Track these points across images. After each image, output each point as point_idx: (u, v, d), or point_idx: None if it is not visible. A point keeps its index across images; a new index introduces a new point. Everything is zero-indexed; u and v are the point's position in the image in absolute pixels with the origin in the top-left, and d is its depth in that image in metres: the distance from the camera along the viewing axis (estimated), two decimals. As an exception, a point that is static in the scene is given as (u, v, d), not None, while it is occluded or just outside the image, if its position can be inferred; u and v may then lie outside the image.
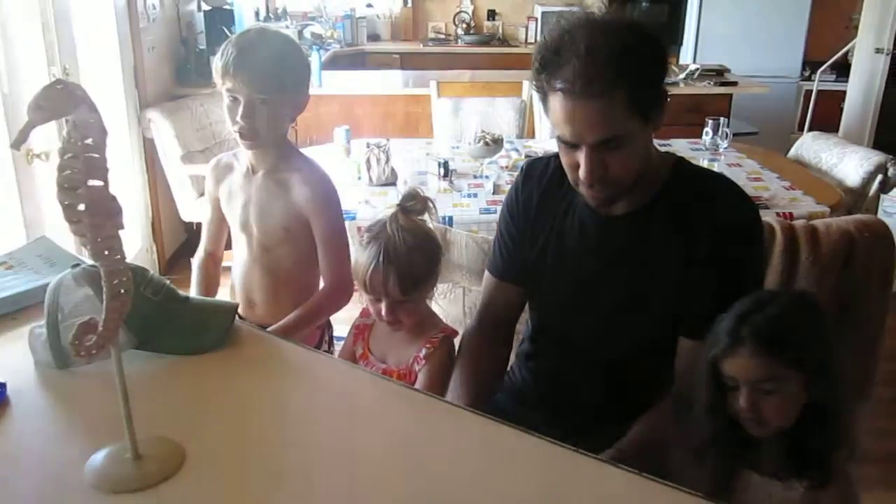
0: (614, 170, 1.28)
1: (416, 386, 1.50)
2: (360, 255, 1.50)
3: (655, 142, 1.41)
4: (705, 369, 1.17)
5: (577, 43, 1.21)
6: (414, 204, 1.51)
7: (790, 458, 1.17)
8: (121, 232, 0.88)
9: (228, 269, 1.92)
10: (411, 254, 1.46)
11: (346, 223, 2.46)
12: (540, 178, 1.50)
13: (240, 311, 1.77)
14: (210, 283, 1.91)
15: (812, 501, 1.15)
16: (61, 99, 0.76)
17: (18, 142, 0.76)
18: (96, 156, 0.81)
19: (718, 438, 1.18)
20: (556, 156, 1.46)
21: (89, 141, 0.81)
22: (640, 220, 1.38)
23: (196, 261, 1.93)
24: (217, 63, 1.60)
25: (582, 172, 1.28)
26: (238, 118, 1.60)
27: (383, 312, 1.50)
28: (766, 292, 1.21)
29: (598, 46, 1.20)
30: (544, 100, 1.29)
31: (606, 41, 1.20)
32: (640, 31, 1.25)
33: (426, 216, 1.54)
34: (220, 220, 1.87)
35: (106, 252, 0.86)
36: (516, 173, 2.96)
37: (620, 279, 1.40)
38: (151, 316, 1.20)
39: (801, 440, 1.15)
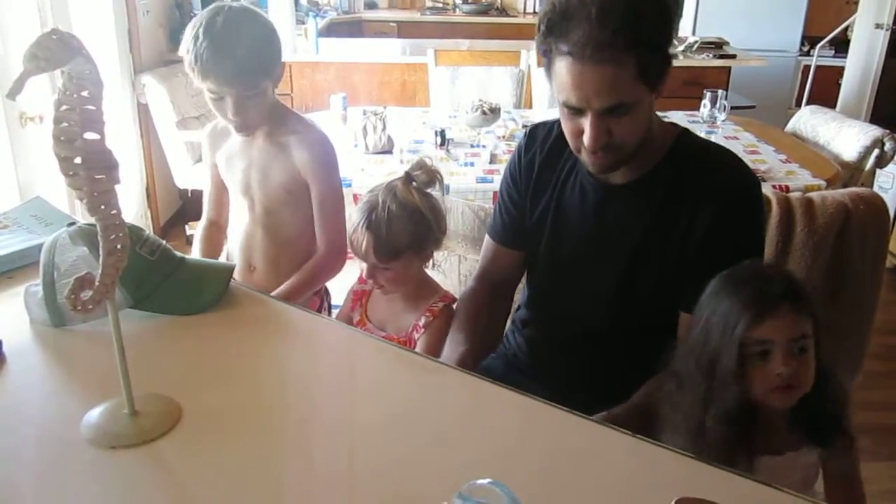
0: (618, 136, 1.27)
1: None
2: (353, 214, 1.51)
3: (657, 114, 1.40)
4: (733, 340, 1.14)
5: (587, 5, 1.17)
6: (419, 174, 1.50)
7: (802, 425, 1.18)
8: (117, 189, 0.87)
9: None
10: (392, 224, 1.45)
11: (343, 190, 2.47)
12: (543, 141, 1.49)
13: (238, 276, 1.77)
14: (214, 250, 1.90)
15: (827, 460, 1.20)
16: (57, 49, 0.75)
17: (14, 91, 0.75)
18: (93, 108, 0.81)
19: (734, 414, 1.16)
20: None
21: (85, 93, 0.80)
22: (642, 189, 1.37)
23: (199, 230, 1.92)
24: (189, 60, 1.52)
25: (586, 138, 1.27)
26: (229, 116, 1.58)
27: (364, 275, 1.52)
28: (748, 265, 1.21)
29: (610, 10, 1.16)
30: (549, 64, 1.26)
31: (618, 4, 1.17)
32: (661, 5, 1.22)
33: (436, 189, 1.52)
34: (220, 187, 1.86)
35: (102, 206, 0.85)
36: (513, 143, 2.98)
37: (619, 248, 1.39)
38: (147, 275, 1.20)
39: (815, 404, 1.17)
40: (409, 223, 1.47)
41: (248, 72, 1.54)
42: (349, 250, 1.59)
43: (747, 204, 1.35)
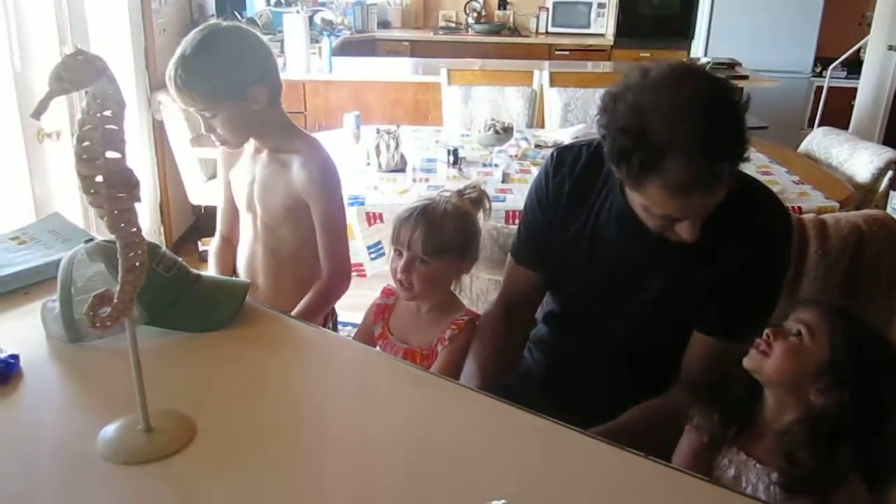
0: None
1: (435, 365, 1.51)
2: (401, 212, 1.56)
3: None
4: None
5: (682, 136, 1.14)
6: (471, 191, 1.59)
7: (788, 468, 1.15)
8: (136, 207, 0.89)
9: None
10: (445, 218, 1.51)
11: (355, 209, 2.48)
12: (572, 166, 1.48)
13: (245, 292, 1.77)
14: (226, 268, 1.90)
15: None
16: (82, 70, 0.77)
17: (39, 111, 0.76)
18: (115, 128, 0.82)
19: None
20: (588, 144, 1.46)
21: (108, 113, 0.81)
22: None
23: (212, 248, 1.93)
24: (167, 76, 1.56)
25: (685, 235, 1.26)
26: (202, 132, 1.61)
27: (399, 267, 1.52)
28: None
29: (712, 140, 1.14)
30: (634, 183, 1.23)
31: (716, 130, 1.15)
32: (737, 107, 1.21)
33: (481, 212, 1.61)
34: (233, 204, 1.87)
35: (122, 224, 0.86)
36: (525, 162, 2.99)
37: (654, 276, 1.40)
38: (163, 292, 1.21)
39: (802, 455, 1.13)
40: (460, 224, 1.53)
41: (198, 91, 1.53)
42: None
43: (780, 241, 1.39)
